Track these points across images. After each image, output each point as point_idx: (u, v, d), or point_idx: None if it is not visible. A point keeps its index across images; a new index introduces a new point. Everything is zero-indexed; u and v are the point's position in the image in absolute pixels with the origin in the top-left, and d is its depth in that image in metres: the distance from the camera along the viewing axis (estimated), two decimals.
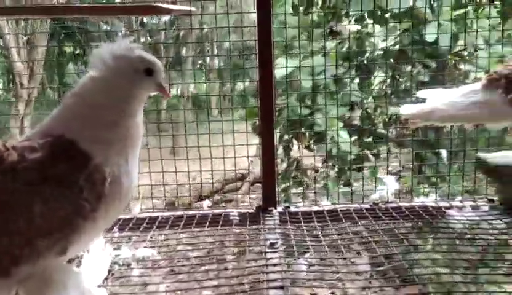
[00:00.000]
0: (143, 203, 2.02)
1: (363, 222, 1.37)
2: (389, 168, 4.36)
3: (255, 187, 4.43)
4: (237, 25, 2.29)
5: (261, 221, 1.48)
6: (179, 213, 1.64)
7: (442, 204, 1.52)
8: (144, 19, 5.41)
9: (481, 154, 1.40)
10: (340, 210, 1.49)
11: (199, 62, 4.78)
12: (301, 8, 3.00)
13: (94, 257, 1.23)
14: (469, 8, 2.68)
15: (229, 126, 1.96)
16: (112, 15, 2.83)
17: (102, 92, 0.97)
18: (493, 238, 1.26)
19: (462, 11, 2.58)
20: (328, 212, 1.49)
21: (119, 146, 0.97)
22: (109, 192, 0.93)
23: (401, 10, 2.63)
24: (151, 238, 1.48)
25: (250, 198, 4.04)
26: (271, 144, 1.57)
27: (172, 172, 1.96)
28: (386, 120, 3.27)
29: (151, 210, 1.77)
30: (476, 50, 2.68)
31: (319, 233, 1.35)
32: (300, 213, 1.52)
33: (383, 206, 1.51)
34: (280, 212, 1.55)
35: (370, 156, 3.24)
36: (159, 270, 1.73)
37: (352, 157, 2.98)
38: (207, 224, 1.53)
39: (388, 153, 3.27)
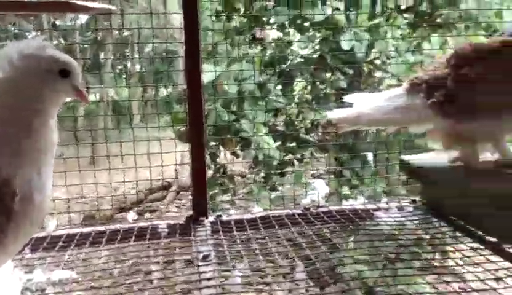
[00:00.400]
0: (59, 219, 1.86)
1: (296, 227, 1.37)
2: (313, 172, 4.49)
3: (180, 196, 4.32)
4: (160, 29, 2.22)
5: (192, 232, 1.42)
6: (101, 228, 1.52)
7: (370, 206, 1.56)
8: (57, 21, 5.05)
9: (404, 157, 1.46)
10: (273, 216, 1.48)
11: (119, 67, 4.58)
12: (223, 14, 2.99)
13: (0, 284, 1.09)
14: (382, 18, 2.84)
15: (152, 133, 1.88)
16: (21, 12, 2.59)
17: (10, 94, 0.86)
18: (415, 237, 1.32)
19: (376, 21, 2.73)
20: (261, 219, 1.48)
21: (30, 155, 0.87)
22: (20, 209, 0.82)
23: (320, 19, 2.73)
24: (69, 258, 1.35)
25: (176, 207, 3.94)
26: (201, 151, 1.52)
27: (91, 184, 1.83)
28: (309, 125, 3.37)
29: (68, 226, 1.62)
30: (388, 58, 2.84)
31: (253, 241, 1.33)
32: (232, 222, 1.49)
33: (314, 210, 1.53)
34: (211, 222, 1.50)
35: (295, 160, 3.32)
36: (77, 292, 1.59)
37: (278, 162, 3.03)
38: (133, 238, 1.43)
39: (311, 157, 3.37)
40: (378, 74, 2.73)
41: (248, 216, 1.52)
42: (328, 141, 3.29)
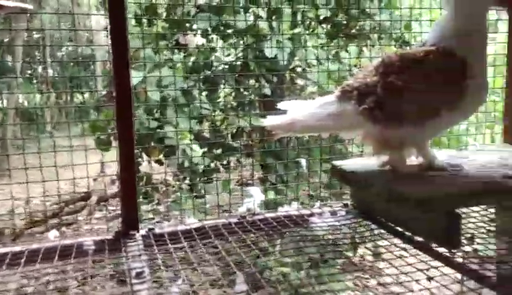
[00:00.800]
0: None
1: (233, 236, 1.35)
2: (238, 178, 4.50)
3: (101, 207, 4.10)
4: (76, 31, 2.09)
5: (123, 248, 1.34)
6: (18, 248, 1.38)
7: (304, 212, 1.57)
8: None
9: (336, 162, 1.48)
10: (208, 227, 1.45)
11: (28, 71, 4.21)
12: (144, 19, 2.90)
13: None
14: (302, 27, 2.94)
15: (63, 142, 1.75)
16: None
17: None
18: (346, 240, 1.38)
19: (297, 30, 2.82)
20: (196, 230, 1.43)
21: None
22: None
23: (243, 26, 2.76)
24: None
25: (97, 219, 3.73)
26: (130, 160, 1.44)
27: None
28: (234, 131, 3.39)
29: None
30: (309, 66, 2.94)
31: (190, 253, 1.28)
32: (165, 234, 1.43)
33: (250, 218, 1.52)
34: (143, 236, 1.43)
35: (221, 167, 3.32)
36: None
37: (204, 168, 3.01)
38: (56, 258, 1.32)
39: (237, 163, 3.39)
40: (300, 81, 2.82)
41: (182, 227, 1.47)
42: (254, 147, 3.33)
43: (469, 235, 1.28)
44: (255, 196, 1.72)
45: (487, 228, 1.31)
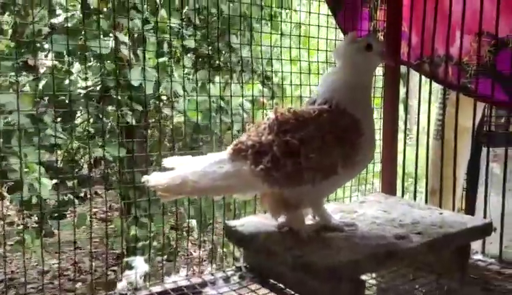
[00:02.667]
0: None
1: None
2: (95, 210, 4.16)
3: None
4: None
5: None
6: None
7: (195, 280, 1.44)
8: None
9: (230, 222, 1.36)
10: None
11: None
12: None
13: None
14: (168, 57, 2.89)
15: None
16: None
17: None
18: None
19: (162, 59, 2.76)
20: None
21: None
22: None
23: (105, 51, 2.60)
24: None
25: None
26: None
27: None
28: (91, 161, 3.13)
29: None
30: (176, 96, 2.91)
31: None
32: None
33: None
34: None
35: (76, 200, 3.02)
36: None
37: (54, 202, 2.71)
38: None
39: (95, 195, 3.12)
40: (166, 110, 2.76)
41: None
42: (112, 177, 3.12)
43: None
44: (138, 267, 1.50)
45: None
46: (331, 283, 1.11)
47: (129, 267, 1.50)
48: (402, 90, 2.37)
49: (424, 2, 1.94)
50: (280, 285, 1.31)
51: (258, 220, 1.41)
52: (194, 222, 2.31)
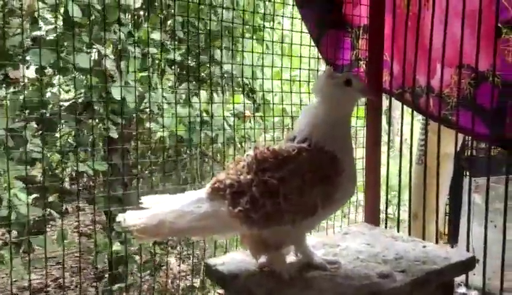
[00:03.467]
0: None
1: None
2: (76, 224, 4.07)
3: None
4: None
5: None
6: None
7: None
8: None
9: (210, 260, 1.33)
10: None
11: None
12: None
13: None
14: (151, 70, 2.88)
15: None
16: None
17: None
18: None
19: (145, 73, 2.74)
20: None
21: None
22: None
23: (86, 65, 2.57)
24: None
25: None
26: None
27: None
28: (73, 174, 3.08)
29: None
30: (159, 109, 2.88)
31: None
32: None
33: None
34: None
35: (56, 215, 2.95)
36: None
37: (34, 219, 2.64)
38: None
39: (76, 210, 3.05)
40: (149, 124, 2.73)
41: None
42: (94, 192, 3.06)
43: None
44: None
45: None
46: None
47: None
48: (385, 102, 2.39)
49: (405, 34, 1.95)
50: None
51: (239, 258, 1.37)
52: (172, 261, 2.27)
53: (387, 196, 2.03)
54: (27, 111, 2.75)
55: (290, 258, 1.33)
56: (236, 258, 1.38)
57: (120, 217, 1.13)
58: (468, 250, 1.79)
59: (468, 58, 1.76)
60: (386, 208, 2.01)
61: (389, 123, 2.38)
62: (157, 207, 1.15)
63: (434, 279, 1.33)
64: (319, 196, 1.18)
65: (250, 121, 2.74)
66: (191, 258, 2.06)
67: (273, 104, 2.43)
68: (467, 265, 1.45)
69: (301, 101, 2.48)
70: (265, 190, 1.14)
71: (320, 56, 2.33)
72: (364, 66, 2.17)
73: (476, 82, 1.77)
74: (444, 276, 1.37)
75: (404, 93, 2.01)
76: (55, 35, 2.51)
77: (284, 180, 1.15)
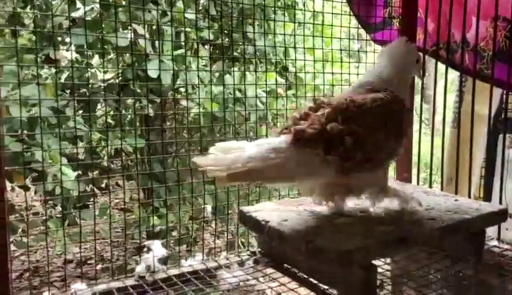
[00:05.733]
0: None
1: None
2: (116, 201, 4.23)
3: None
4: None
5: None
6: None
7: (211, 264, 1.45)
8: None
9: (244, 208, 1.36)
10: (100, 293, 1.25)
11: None
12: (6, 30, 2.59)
13: None
14: (185, 49, 2.92)
15: None
16: None
17: None
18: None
19: (180, 51, 2.78)
20: None
21: None
22: None
23: (123, 44, 2.63)
24: None
25: None
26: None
27: None
28: (112, 153, 3.19)
29: None
30: (193, 88, 2.92)
31: None
32: None
33: (150, 278, 1.36)
34: None
35: (97, 191, 3.08)
36: None
37: (77, 193, 2.77)
38: None
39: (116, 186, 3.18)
40: (184, 102, 2.79)
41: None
42: (132, 169, 3.17)
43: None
44: (155, 251, 1.49)
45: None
46: (343, 268, 1.11)
47: (147, 250, 1.51)
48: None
49: None
50: (294, 270, 1.33)
51: (272, 207, 1.41)
52: (208, 209, 2.33)
53: (418, 173, 2.00)
54: (68, 91, 2.88)
55: (322, 208, 1.35)
56: (269, 206, 1.43)
57: (195, 159, 1.08)
58: (500, 203, 1.76)
59: (503, 10, 1.71)
60: (418, 172, 1.99)
61: (422, 100, 2.33)
62: (243, 150, 1.11)
63: (464, 227, 1.32)
64: (398, 141, 1.29)
65: (282, 99, 2.74)
66: (226, 234, 2.11)
67: (305, 84, 2.41)
68: (498, 216, 1.45)
69: (333, 79, 2.45)
70: (357, 138, 1.18)
71: (353, 15, 2.26)
72: (397, 24, 2.13)
73: (511, 34, 1.72)
74: (475, 225, 1.37)
75: (439, 50, 1.96)
76: (93, 16, 2.59)
77: (372, 129, 1.22)
